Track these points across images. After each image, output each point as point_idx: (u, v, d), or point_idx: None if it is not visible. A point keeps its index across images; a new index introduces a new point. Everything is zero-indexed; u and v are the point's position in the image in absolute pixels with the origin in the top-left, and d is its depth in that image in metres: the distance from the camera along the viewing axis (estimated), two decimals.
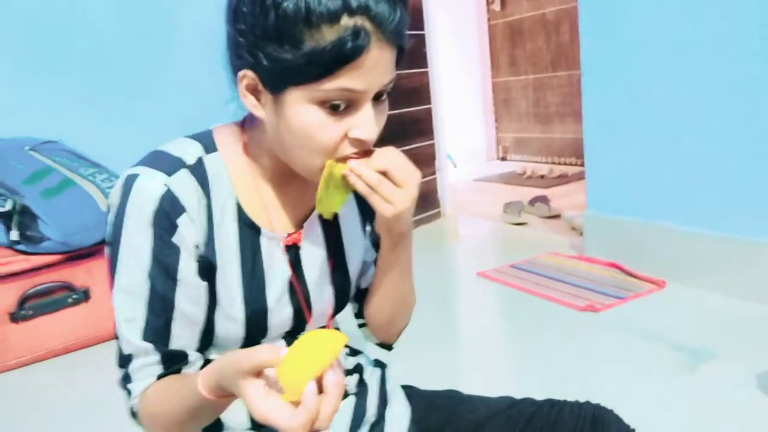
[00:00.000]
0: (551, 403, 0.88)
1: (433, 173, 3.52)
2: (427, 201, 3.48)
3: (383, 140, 0.73)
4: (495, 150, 5.75)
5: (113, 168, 2.37)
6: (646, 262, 2.31)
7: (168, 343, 0.72)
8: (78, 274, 2.13)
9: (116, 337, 0.73)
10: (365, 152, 0.71)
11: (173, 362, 0.73)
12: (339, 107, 0.67)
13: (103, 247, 2.24)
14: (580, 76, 2.48)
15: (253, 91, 0.70)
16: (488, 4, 5.39)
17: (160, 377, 0.73)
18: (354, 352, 0.92)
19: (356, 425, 0.84)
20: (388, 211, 0.70)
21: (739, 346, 1.73)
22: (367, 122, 0.68)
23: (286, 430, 0.54)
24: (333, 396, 0.56)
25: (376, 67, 0.66)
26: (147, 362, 0.72)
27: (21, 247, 2.04)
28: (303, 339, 0.57)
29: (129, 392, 0.74)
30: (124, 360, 0.73)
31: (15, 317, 2.04)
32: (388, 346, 0.95)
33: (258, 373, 0.57)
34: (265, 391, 0.56)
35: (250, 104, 0.71)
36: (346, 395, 0.86)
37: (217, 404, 0.65)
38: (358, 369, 0.91)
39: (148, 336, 0.71)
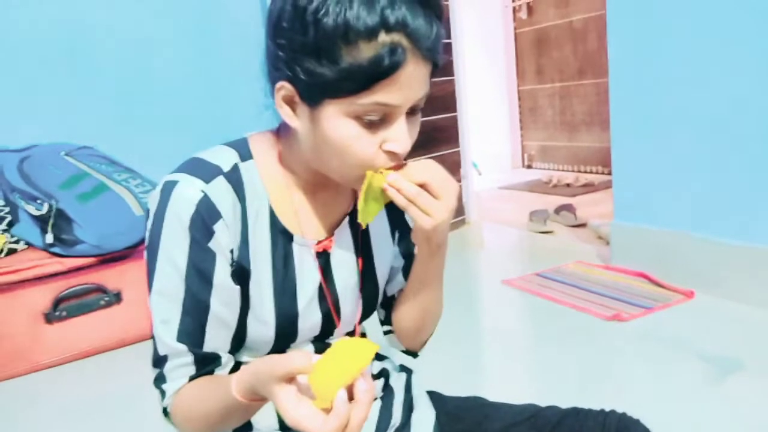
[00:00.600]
0: (576, 412, 0.88)
1: (459, 181, 3.52)
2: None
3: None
4: (520, 158, 5.73)
5: (146, 174, 2.43)
6: (674, 273, 2.28)
7: (202, 345, 0.74)
8: (111, 277, 2.18)
9: (152, 338, 0.76)
10: (399, 165, 0.73)
11: (206, 364, 0.75)
12: (374, 121, 0.68)
13: (136, 251, 2.30)
14: (607, 84, 2.46)
15: (290, 102, 0.72)
16: (515, 12, 5.38)
17: (192, 378, 0.75)
18: (380, 357, 0.93)
19: (382, 430, 0.85)
20: (428, 223, 0.71)
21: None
22: (401, 136, 0.70)
23: None
24: (363, 404, 0.57)
25: (411, 82, 0.67)
26: (181, 363, 0.74)
27: (56, 249, 2.10)
28: (335, 347, 0.59)
29: (163, 392, 0.76)
30: (159, 361, 0.75)
31: (49, 318, 2.09)
32: (413, 354, 0.96)
33: (291, 379, 0.59)
34: (297, 397, 0.58)
35: (286, 115, 0.73)
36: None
37: (249, 407, 0.67)
38: (383, 374, 0.92)
39: (182, 338, 0.73)
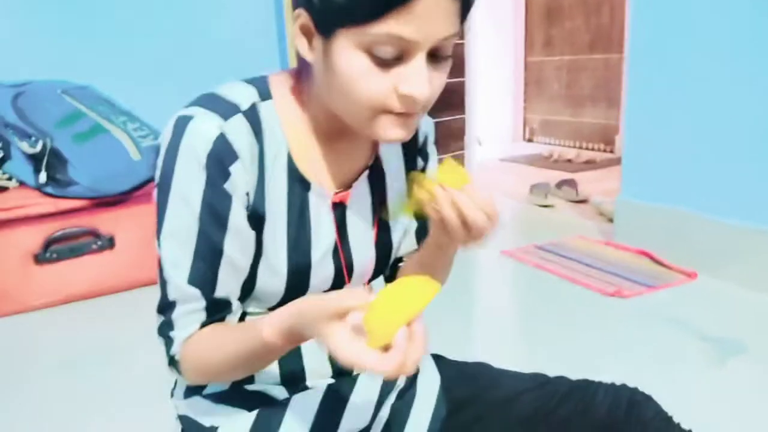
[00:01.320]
0: (587, 383, 0.85)
1: (461, 149, 3.47)
2: None
3: None
4: (521, 131, 5.67)
5: (145, 118, 2.35)
6: (678, 252, 2.26)
7: (214, 290, 0.70)
8: (104, 221, 2.12)
9: (160, 282, 0.71)
10: (408, 113, 0.66)
11: (218, 310, 0.71)
12: (388, 57, 0.62)
13: (131, 196, 2.25)
14: (618, 59, 2.42)
15: (307, 33, 0.67)
16: None
17: (203, 325, 0.71)
18: None
19: (387, 391, 0.83)
20: (458, 247, 0.70)
21: None
22: (418, 77, 0.62)
23: (378, 371, 0.52)
24: (421, 342, 0.54)
25: (430, 15, 0.60)
26: (191, 309, 0.70)
27: (48, 189, 2.04)
28: (394, 285, 0.55)
29: (170, 340, 0.71)
30: (166, 307, 0.71)
31: (39, 259, 2.04)
32: None
33: (341, 318, 0.55)
34: (351, 335, 0.54)
35: (302, 47, 0.67)
36: None
37: (280, 350, 0.64)
38: None
39: (194, 281, 0.69)
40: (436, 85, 0.66)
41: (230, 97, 0.69)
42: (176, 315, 0.70)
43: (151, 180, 2.18)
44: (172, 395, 0.84)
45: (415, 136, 0.87)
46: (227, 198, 0.68)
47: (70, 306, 2.10)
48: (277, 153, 0.72)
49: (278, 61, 2.87)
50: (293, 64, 2.65)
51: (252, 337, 0.63)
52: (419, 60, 0.62)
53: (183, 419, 0.80)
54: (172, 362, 0.72)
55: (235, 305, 0.73)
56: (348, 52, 0.62)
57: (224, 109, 0.68)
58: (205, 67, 2.72)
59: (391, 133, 0.67)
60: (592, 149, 4.96)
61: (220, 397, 0.77)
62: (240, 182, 0.68)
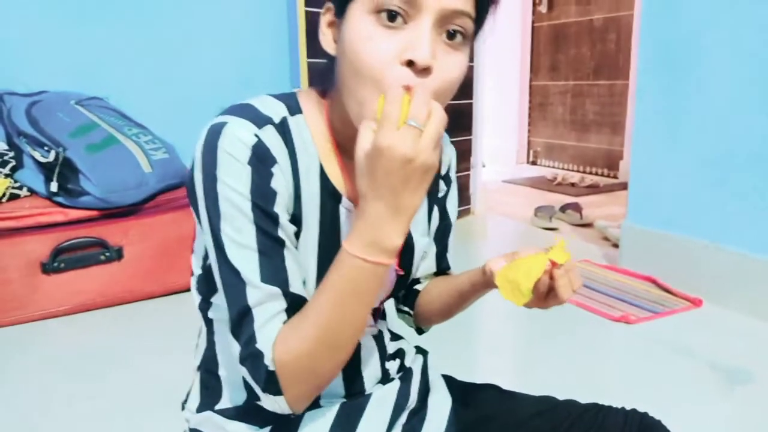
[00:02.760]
0: (597, 407, 0.85)
1: (467, 170, 3.49)
2: (459, 197, 3.44)
3: None
4: (525, 153, 5.70)
5: (156, 131, 2.37)
6: (683, 279, 2.27)
7: (288, 284, 0.66)
8: (113, 233, 2.13)
9: (229, 297, 0.66)
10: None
11: (297, 310, 0.67)
12: (395, 18, 0.62)
13: (142, 208, 2.24)
14: (623, 86, 2.44)
15: (332, 27, 0.68)
16: (535, 5, 5.32)
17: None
18: (395, 336, 0.91)
19: (399, 411, 0.83)
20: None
21: None
22: (422, 41, 0.61)
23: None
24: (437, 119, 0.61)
25: None
26: (272, 312, 0.65)
27: (59, 199, 2.05)
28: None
29: (257, 355, 0.64)
30: (243, 318, 0.65)
31: (47, 268, 2.04)
32: (419, 330, 0.95)
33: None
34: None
35: (326, 42, 0.69)
36: (390, 380, 0.85)
37: (363, 269, 0.63)
38: (399, 354, 0.90)
39: (267, 279, 0.65)
40: (449, 67, 0.65)
41: (261, 109, 0.69)
42: (258, 325, 0.65)
43: (160, 193, 2.19)
44: (183, 408, 0.84)
45: (440, 162, 0.88)
46: (273, 194, 0.66)
47: (76, 316, 2.10)
48: (310, 165, 0.72)
49: (288, 75, 2.89)
50: (304, 79, 2.69)
51: (333, 269, 0.64)
52: (424, 24, 0.62)
53: None
54: (269, 381, 0.64)
55: None
56: (357, 20, 0.63)
57: (257, 118, 0.68)
58: (218, 82, 2.74)
59: None
60: (596, 174, 4.97)
61: (233, 413, 0.76)
62: (281, 185, 0.67)
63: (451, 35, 0.65)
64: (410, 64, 0.62)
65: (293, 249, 0.69)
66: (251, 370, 0.65)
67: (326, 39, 0.69)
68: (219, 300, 0.75)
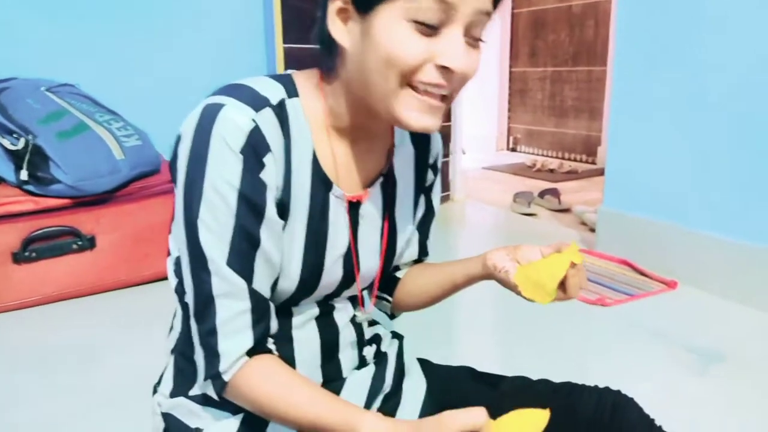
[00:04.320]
0: (570, 386, 0.86)
1: (446, 156, 3.49)
2: None
3: None
4: (506, 140, 5.72)
5: (128, 117, 2.33)
6: (659, 262, 2.29)
7: (253, 281, 0.67)
8: (85, 221, 2.09)
9: (196, 281, 0.67)
10: (445, 96, 0.68)
11: (261, 314, 0.68)
12: (430, 23, 0.63)
13: (114, 196, 2.21)
14: (601, 72, 2.45)
15: (343, 17, 0.67)
16: None
17: (258, 343, 0.68)
18: (372, 322, 0.91)
19: (373, 395, 0.83)
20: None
21: (749, 353, 1.72)
22: (456, 49, 0.64)
23: None
24: None
25: None
26: (236, 310, 0.66)
27: (29, 187, 2.01)
28: (512, 415, 0.62)
29: (215, 355, 0.66)
30: (206, 306, 0.67)
31: (18, 258, 2.00)
32: (392, 315, 0.96)
33: None
34: None
35: (338, 30, 0.68)
36: (365, 365, 0.85)
37: None
38: (375, 339, 0.90)
39: (233, 266, 0.66)
40: (472, 65, 0.68)
41: (260, 90, 0.68)
42: (220, 320, 0.66)
43: (133, 180, 2.16)
44: (154, 391, 0.83)
45: (428, 152, 0.89)
46: (263, 187, 0.66)
47: (48, 306, 2.06)
48: (303, 151, 0.71)
49: (265, 61, 2.86)
50: (280, 64, 2.66)
51: (341, 420, 0.64)
52: (457, 32, 0.64)
53: (167, 417, 0.79)
54: (215, 379, 0.67)
55: (273, 310, 0.71)
56: (390, 23, 0.63)
57: (255, 101, 0.67)
58: (193, 68, 2.70)
59: (415, 119, 0.67)
60: (575, 160, 5.01)
61: (206, 400, 0.76)
62: (272, 175, 0.67)
63: (473, 38, 0.67)
64: (444, 68, 0.65)
65: (270, 252, 0.68)
66: (205, 360, 0.68)
67: (336, 27, 0.68)
68: None
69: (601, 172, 3.60)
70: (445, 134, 3.45)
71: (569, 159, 5.06)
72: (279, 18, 2.64)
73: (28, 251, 2.01)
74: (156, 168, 2.22)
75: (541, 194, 3.48)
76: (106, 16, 2.54)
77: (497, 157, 5.35)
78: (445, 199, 3.55)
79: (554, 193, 3.44)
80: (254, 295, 0.67)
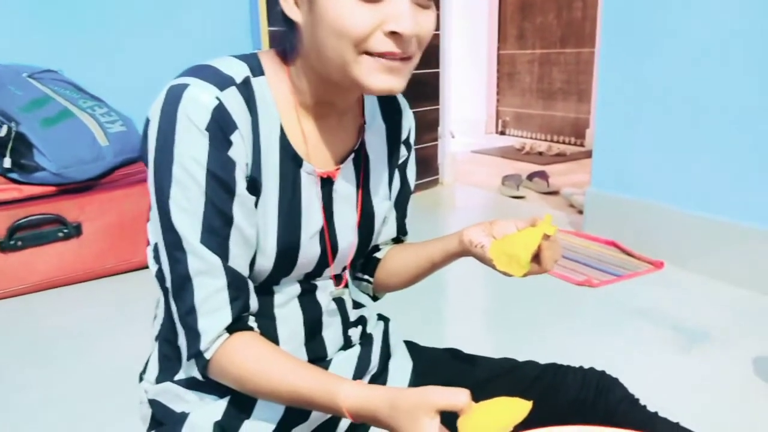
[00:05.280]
0: (556, 367, 0.87)
1: (435, 140, 3.48)
2: (427, 168, 3.44)
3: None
4: (494, 123, 5.71)
5: (112, 103, 2.30)
6: (646, 243, 2.31)
7: (228, 258, 0.67)
8: (70, 209, 2.07)
9: (171, 261, 0.67)
10: (405, 58, 0.67)
11: (239, 289, 0.68)
12: None
13: (99, 183, 2.19)
14: (589, 54, 2.45)
15: None
16: None
17: (234, 323, 0.68)
18: (357, 305, 0.91)
19: (359, 375, 0.83)
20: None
21: (735, 331, 1.74)
22: (403, 13, 0.63)
23: None
24: None
25: None
26: (213, 288, 0.66)
27: (13, 175, 1.99)
28: (494, 401, 0.61)
29: (196, 334, 0.67)
30: (183, 286, 0.67)
31: (3, 247, 1.99)
32: (375, 297, 0.95)
33: (437, 414, 0.58)
34: (443, 427, 0.58)
35: (290, 7, 0.68)
36: (351, 346, 0.85)
37: (335, 414, 0.65)
38: (361, 321, 0.90)
39: (207, 243, 0.66)
40: (423, 26, 0.67)
41: (224, 70, 0.68)
42: (199, 299, 0.66)
43: (118, 167, 2.14)
44: (141, 379, 0.83)
45: (400, 128, 0.88)
46: (232, 164, 0.66)
47: (34, 295, 2.06)
48: (271, 128, 0.71)
49: (250, 45, 2.83)
50: (265, 47, 2.63)
51: (321, 389, 0.64)
52: None
53: (153, 404, 0.79)
54: (198, 357, 0.68)
55: (251, 287, 0.71)
56: None
57: (219, 80, 0.67)
58: (177, 53, 2.67)
59: (378, 81, 0.66)
60: (563, 142, 5.02)
61: (192, 383, 0.75)
62: (240, 152, 0.67)
63: (421, 2, 0.66)
64: (393, 33, 0.64)
65: (245, 229, 0.68)
66: (186, 339, 0.68)
67: (287, 4, 0.68)
68: None
69: (589, 155, 3.61)
70: (433, 118, 3.44)
71: (558, 142, 5.06)
72: (263, 1, 2.62)
73: (14, 240, 2.00)
74: (141, 154, 2.20)
75: (530, 177, 3.49)
76: (87, 1, 2.50)
77: (486, 140, 5.35)
78: (434, 182, 3.55)
79: (543, 175, 3.45)
80: (230, 271, 0.67)
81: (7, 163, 1.96)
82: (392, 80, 0.66)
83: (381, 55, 0.65)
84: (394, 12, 0.63)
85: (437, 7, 3.07)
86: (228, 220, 0.67)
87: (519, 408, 0.60)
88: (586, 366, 0.86)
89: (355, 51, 0.64)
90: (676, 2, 2.14)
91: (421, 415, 0.57)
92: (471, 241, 0.78)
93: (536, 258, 0.74)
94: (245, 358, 0.67)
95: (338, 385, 0.63)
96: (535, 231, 0.74)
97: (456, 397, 0.58)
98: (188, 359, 0.69)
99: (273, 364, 0.67)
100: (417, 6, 0.66)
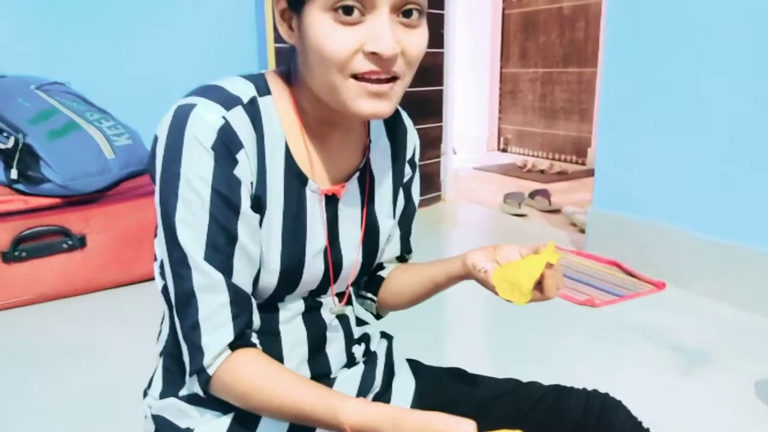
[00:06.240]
0: (559, 389, 0.87)
1: (438, 156, 3.50)
2: (429, 184, 3.46)
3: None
4: (496, 140, 5.74)
5: (119, 117, 2.32)
6: (647, 263, 2.31)
7: (232, 275, 0.68)
8: (75, 220, 2.08)
9: (175, 278, 0.68)
10: (391, 78, 0.66)
11: (242, 307, 0.69)
12: (351, 13, 0.63)
13: (104, 195, 2.20)
14: (591, 74, 2.47)
15: (287, 18, 0.69)
16: None
17: (237, 339, 0.69)
18: (360, 322, 0.91)
19: (363, 394, 0.83)
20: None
21: (736, 354, 1.74)
22: (381, 32, 0.63)
23: None
24: None
25: None
26: (217, 304, 0.67)
27: (19, 186, 2.00)
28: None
29: (199, 350, 0.67)
30: (187, 302, 0.67)
31: (7, 258, 1.99)
32: (378, 315, 0.96)
33: None
34: None
35: (284, 32, 0.69)
36: (355, 364, 0.86)
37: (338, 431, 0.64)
38: (365, 339, 0.91)
39: (211, 261, 0.67)
40: (409, 45, 0.66)
41: (231, 89, 0.70)
42: (202, 315, 0.67)
43: (124, 180, 2.15)
44: (145, 395, 0.83)
45: (405, 147, 0.89)
46: (237, 182, 0.67)
47: (39, 306, 2.06)
48: (276, 147, 0.72)
49: (257, 60, 2.85)
50: (272, 63, 2.66)
51: (323, 405, 0.64)
52: (382, 16, 0.63)
53: (157, 419, 0.79)
54: (200, 373, 0.68)
55: (254, 304, 0.72)
56: (316, 18, 0.64)
57: (226, 99, 0.68)
58: (185, 67, 2.69)
59: (365, 106, 0.66)
60: (565, 161, 5.03)
61: (196, 399, 0.76)
62: (246, 171, 0.68)
63: (407, 14, 0.65)
64: (374, 54, 0.64)
65: (249, 246, 0.69)
66: (189, 356, 0.69)
67: (283, 29, 0.70)
68: None
69: (591, 173, 3.62)
70: (436, 135, 3.46)
71: (559, 160, 5.08)
72: (270, 16, 2.64)
73: (18, 251, 2.00)
74: (146, 167, 2.21)
75: (532, 195, 3.50)
76: (96, 13, 2.53)
77: (488, 157, 5.37)
78: (435, 199, 3.56)
79: (544, 193, 3.46)
80: (233, 288, 0.68)
81: (14, 174, 1.97)
82: (379, 105, 0.67)
83: (365, 75, 0.65)
84: (373, 33, 0.63)
85: (441, 26, 3.10)
86: (232, 238, 0.68)
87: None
88: (589, 387, 0.86)
89: (342, 75, 0.65)
90: (678, 23, 2.16)
91: None
92: (474, 265, 0.79)
93: (539, 285, 0.74)
94: (247, 374, 0.68)
95: (341, 402, 0.63)
96: (539, 259, 0.74)
97: (460, 427, 0.58)
98: (190, 375, 0.70)
99: (275, 381, 0.67)
100: (402, 25, 0.65)
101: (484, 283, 0.78)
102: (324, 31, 0.63)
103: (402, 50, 0.65)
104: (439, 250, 2.77)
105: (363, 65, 0.64)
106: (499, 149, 5.71)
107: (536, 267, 0.73)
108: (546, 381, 0.89)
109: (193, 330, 0.68)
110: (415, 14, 0.66)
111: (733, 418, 1.44)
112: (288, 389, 0.66)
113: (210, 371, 0.68)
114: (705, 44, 2.09)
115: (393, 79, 0.67)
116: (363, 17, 0.63)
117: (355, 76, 0.65)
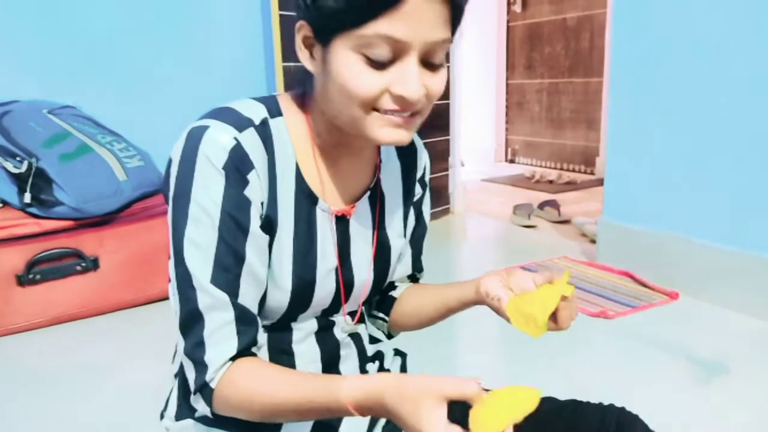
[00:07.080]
0: (575, 404, 0.86)
1: (446, 169, 3.50)
2: (438, 197, 3.46)
3: None
4: (504, 152, 5.74)
5: (130, 139, 2.35)
6: (660, 273, 2.30)
7: (238, 296, 0.69)
8: (88, 243, 2.10)
9: (182, 297, 0.68)
10: (413, 114, 0.68)
11: (247, 323, 0.69)
12: (382, 59, 0.64)
13: (117, 217, 2.21)
14: (597, 84, 2.47)
15: (308, 45, 0.69)
16: (509, 4, 5.36)
17: (240, 352, 0.69)
18: (374, 339, 0.92)
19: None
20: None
21: (754, 363, 1.72)
22: (409, 78, 0.65)
23: None
24: None
25: (421, 17, 0.63)
26: (222, 321, 0.68)
27: (33, 210, 2.02)
28: (503, 390, 0.61)
29: (203, 365, 0.68)
30: (193, 321, 0.68)
31: (22, 281, 2.01)
32: (389, 335, 0.96)
33: (444, 402, 0.57)
34: (447, 422, 0.56)
35: (305, 58, 0.70)
36: None
37: (344, 413, 0.63)
38: (378, 357, 0.91)
39: (218, 285, 0.68)
40: (434, 86, 0.68)
41: (243, 112, 0.71)
42: (208, 332, 0.68)
43: (136, 201, 2.17)
44: (162, 417, 0.84)
45: (415, 166, 0.90)
46: (247, 203, 0.68)
47: (53, 328, 2.07)
48: (286, 167, 0.73)
49: (265, 80, 2.88)
50: (280, 82, 2.68)
51: (322, 391, 0.63)
52: (411, 62, 0.65)
53: None
54: (204, 388, 0.69)
55: (261, 332, 0.72)
56: (344, 55, 0.64)
57: (238, 121, 0.69)
58: (194, 88, 2.72)
59: (385, 134, 0.68)
60: (573, 170, 5.02)
61: (213, 420, 0.76)
62: (257, 191, 0.69)
63: (432, 64, 0.67)
64: (400, 96, 0.65)
65: (257, 267, 0.70)
66: (195, 372, 0.69)
67: (303, 55, 0.70)
68: None
69: (600, 183, 3.62)
70: (444, 148, 3.46)
71: (568, 170, 5.07)
72: (278, 36, 2.67)
73: (32, 273, 2.02)
74: (158, 188, 2.23)
75: (541, 206, 3.50)
76: (105, 37, 2.57)
77: (496, 168, 5.37)
78: (444, 211, 3.56)
79: (554, 204, 3.46)
80: (239, 307, 0.69)
81: (27, 198, 1.99)
82: (400, 133, 0.69)
83: (386, 112, 0.67)
84: (401, 77, 0.65)
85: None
86: (240, 259, 0.68)
87: (530, 397, 0.60)
88: (605, 401, 0.86)
89: (364, 110, 0.67)
90: (684, 32, 2.16)
91: (428, 401, 0.56)
92: (488, 293, 0.79)
93: (553, 316, 0.74)
94: (247, 380, 0.68)
95: (339, 383, 0.63)
96: (553, 291, 0.73)
97: (466, 385, 0.57)
98: (194, 393, 0.70)
99: (272, 382, 0.67)
100: (426, 68, 0.67)
101: (497, 311, 0.79)
102: (352, 71, 0.64)
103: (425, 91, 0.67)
104: (449, 263, 2.76)
105: (387, 104, 0.66)
106: (507, 160, 5.71)
107: (551, 300, 0.73)
108: (561, 395, 0.89)
109: (198, 347, 0.68)
110: (438, 66, 0.68)
111: (750, 428, 1.42)
112: (285, 386, 0.66)
113: (213, 384, 0.68)
114: (714, 52, 2.09)
115: (414, 113, 0.69)
116: (393, 63, 0.65)
117: (376, 110, 0.67)
